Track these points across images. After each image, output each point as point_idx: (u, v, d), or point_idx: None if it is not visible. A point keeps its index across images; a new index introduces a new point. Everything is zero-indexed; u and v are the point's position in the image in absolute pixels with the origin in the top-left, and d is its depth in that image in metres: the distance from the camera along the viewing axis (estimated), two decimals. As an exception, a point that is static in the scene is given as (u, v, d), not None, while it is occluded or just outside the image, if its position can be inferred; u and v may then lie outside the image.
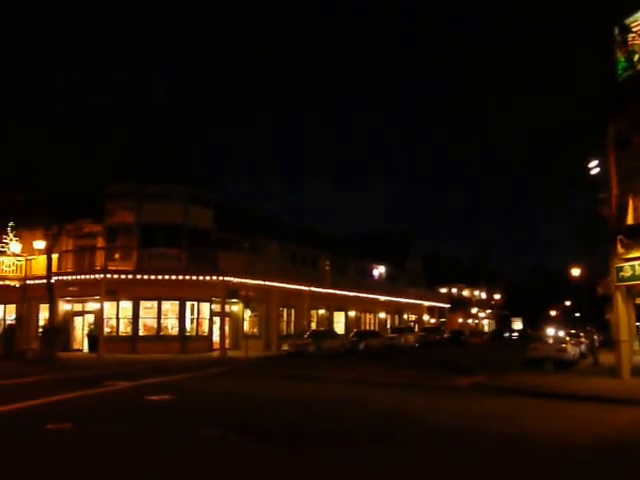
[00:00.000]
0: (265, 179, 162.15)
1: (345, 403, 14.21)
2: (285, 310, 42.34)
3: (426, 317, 66.45)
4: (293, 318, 43.33)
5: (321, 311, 45.90)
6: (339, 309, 48.08)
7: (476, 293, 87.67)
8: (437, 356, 34.77)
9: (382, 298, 51.59)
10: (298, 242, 44.78)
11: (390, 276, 58.17)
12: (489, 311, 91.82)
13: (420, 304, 62.27)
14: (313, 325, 43.40)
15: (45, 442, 9.47)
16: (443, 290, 74.59)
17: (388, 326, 55.44)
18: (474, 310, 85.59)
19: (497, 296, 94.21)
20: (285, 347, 34.71)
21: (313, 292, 40.53)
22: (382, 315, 54.98)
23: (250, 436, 9.79)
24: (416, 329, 56.83)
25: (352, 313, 50.63)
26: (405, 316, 62.09)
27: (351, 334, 42.08)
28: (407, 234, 68.53)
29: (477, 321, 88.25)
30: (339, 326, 47.52)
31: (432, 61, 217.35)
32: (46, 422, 10.56)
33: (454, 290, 79.96)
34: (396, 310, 59.32)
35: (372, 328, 51.72)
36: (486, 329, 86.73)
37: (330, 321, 45.33)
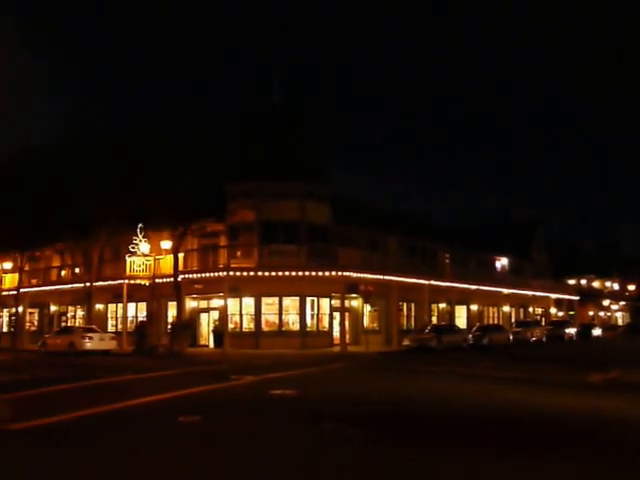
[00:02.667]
0: (380, 174, 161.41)
1: (481, 402, 13.42)
2: (405, 304, 41.74)
3: (553, 310, 63.24)
4: (413, 313, 42.64)
5: (442, 305, 44.83)
6: (461, 303, 46.73)
7: (608, 284, 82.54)
8: (566, 351, 32.92)
9: (506, 291, 49.60)
10: (416, 235, 43.96)
11: (514, 268, 55.90)
12: (622, 303, 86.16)
13: (546, 297, 59.29)
14: (434, 319, 42.44)
15: (177, 434, 9.63)
16: (571, 282, 70.77)
17: (512, 320, 53.26)
18: (606, 302, 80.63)
19: (631, 287, 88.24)
20: (406, 342, 34.12)
21: (433, 286, 39.61)
22: (506, 309, 52.89)
23: (374, 431, 9.50)
24: (543, 323, 54.21)
25: (474, 307, 49.09)
26: (530, 309, 59.45)
27: (474, 328, 40.76)
28: (532, 223, 65.66)
29: (609, 314, 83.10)
30: (461, 320, 46.21)
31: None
32: (177, 415, 10.75)
33: (583, 282, 75.67)
34: (521, 303, 56.92)
35: (496, 322, 49.89)
36: (620, 322, 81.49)
37: (452, 315, 44.12)
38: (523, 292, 53.34)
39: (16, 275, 42.56)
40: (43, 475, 7.25)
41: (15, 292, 41.96)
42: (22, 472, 7.36)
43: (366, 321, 37.52)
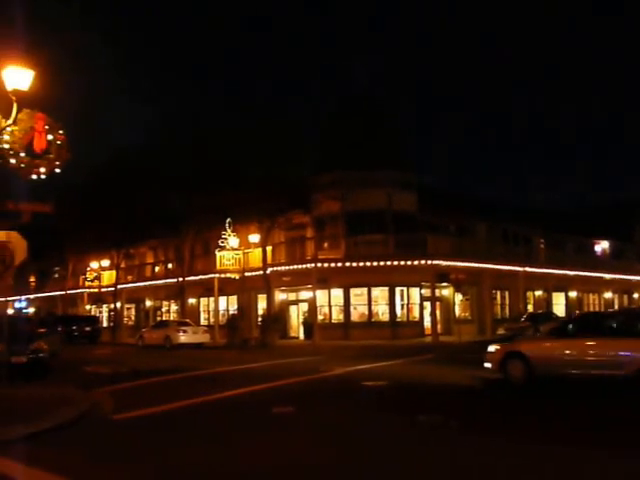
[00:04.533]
0: (466, 160, 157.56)
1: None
2: (498, 292, 40.29)
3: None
4: (507, 301, 41.13)
5: (538, 292, 43.01)
6: (558, 290, 44.64)
7: None
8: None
9: (607, 276, 46.99)
10: (508, 221, 42.29)
11: (615, 252, 52.81)
12: None
13: (653, 281, 55.80)
14: (529, 307, 40.79)
15: (272, 425, 9.64)
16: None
17: (616, 307, 50.44)
18: None
19: None
20: (501, 331, 32.89)
21: (527, 272, 37.98)
22: (608, 295, 50.18)
23: (473, 423, 9.17)
24: (650, 309, 50.98)
25: (573, 294, 46.83)
26: (636, 295, 56.12)
27: (573, 316, 38.78)
28: (634, 204, 61.82)
29: None
30: (559, 308, 44.11)
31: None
32: (270, 406, 10.84)
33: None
34: (624, 289, 53.78)
35: (597, 309, 47.41)
36: None
37: (549, 303, 42.20)
38: (626, 277, 50.37)
39: (113, 272, 44.24)
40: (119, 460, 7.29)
41: (113, 288, 43.64)
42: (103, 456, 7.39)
43: (458, 310, 36.52)
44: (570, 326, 13.66)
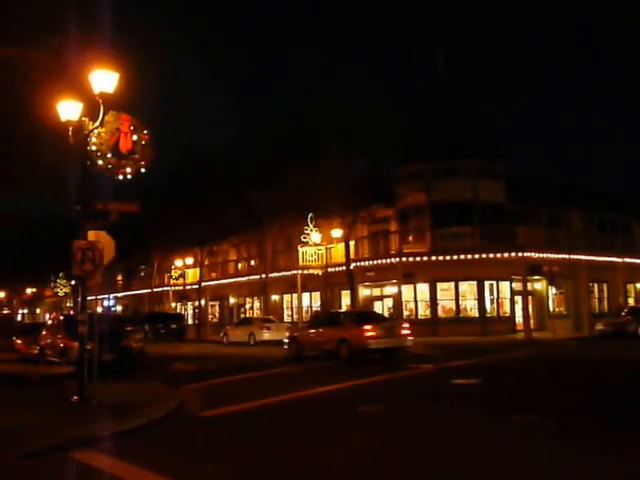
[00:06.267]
0: (556, 147, 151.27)
1: None
2: (596, 285, 38.05)
3: None
4: (606, 294, 38.81)
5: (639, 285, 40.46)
6: (664, 281, 41.80)
7: None
8: None
9: None
10: (604, 209, 39.82)
11: None
12: None
13: None
14: (631, 301, 38.39)
15: (360, 423, 9.44)
16: None
17: None
18: None
19: None
20: (599, 326, 31.14)
21: (627, 264, 35.81)
22: None
23: (572, 425, 8.53)
24: None
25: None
26: None
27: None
28: None
29: None
30: (663, 300, 41.33)
31: None
32: (356, 404, 10.74)
33: None
34: None
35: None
36: None
37: (652, 296, 39.63)
38: None
39: (197, 270, 44.82)
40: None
41: (197, 286, 44.19)
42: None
43: (552, 305, 34.77)
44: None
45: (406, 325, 20.68)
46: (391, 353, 19.67)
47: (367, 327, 19.39)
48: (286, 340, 23.05)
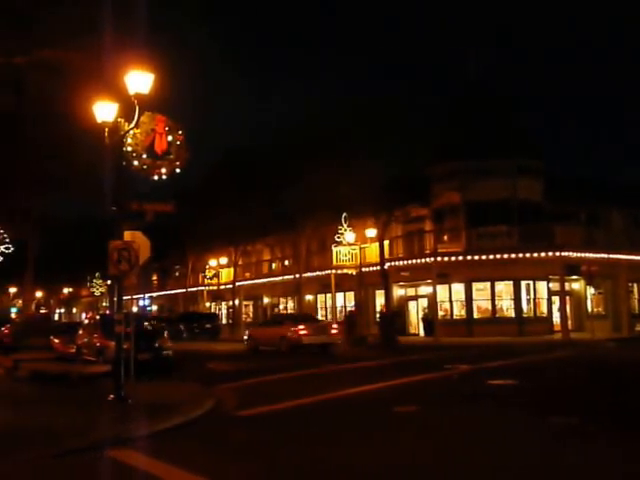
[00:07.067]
0: (593, 145, 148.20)
1: None
2: (635, 285, 37.20)
3: None
4: (646, 294, 37.90)
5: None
6: None
7: None
8: None
9: None
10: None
11: None
12: None
13: None
14: (672, 302, 37.37)
15: (396, 425, 9.34)
16: None
17: None
18: None
19: None
20: (639, 327, 30.43)
21: (669, 263, 34.77)
22: None
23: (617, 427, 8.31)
24: None
25: None
26: None
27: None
28: None
29: None
30: None
31: None
32: (393, 404, 10.62)
33: None
34: None
35: None
36: None
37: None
38: None
39: (231, 269, 45.04)
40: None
41: (231, 286, 44.40)
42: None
43: (590, 305, 34.10)
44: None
45: (335, 325, 26.80)
46: (325, 348, 24.08)
47: (301, 327, 24.16)
48: (245, 337, 28.41)
